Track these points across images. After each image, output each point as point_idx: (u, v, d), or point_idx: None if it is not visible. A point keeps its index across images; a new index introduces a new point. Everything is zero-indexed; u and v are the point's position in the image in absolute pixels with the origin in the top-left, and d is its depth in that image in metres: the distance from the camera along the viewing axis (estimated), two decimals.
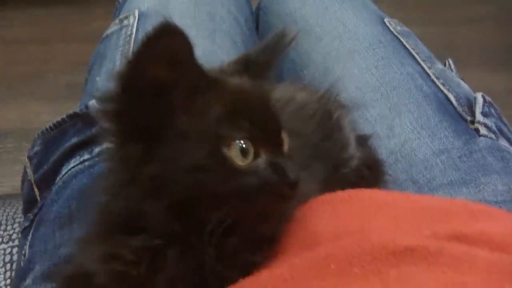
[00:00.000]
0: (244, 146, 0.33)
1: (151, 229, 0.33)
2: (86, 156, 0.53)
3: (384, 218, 0.36)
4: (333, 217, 0.37)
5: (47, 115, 1.29)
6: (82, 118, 0.55)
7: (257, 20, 0.79)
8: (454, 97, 0.57)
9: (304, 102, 0.46)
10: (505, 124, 0.59)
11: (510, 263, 0.29)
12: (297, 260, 0.32)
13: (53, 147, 0.56)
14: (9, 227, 0.66)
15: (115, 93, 0.33)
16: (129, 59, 0.32)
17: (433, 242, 0.31)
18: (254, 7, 0.80)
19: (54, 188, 0.53)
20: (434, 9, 1.71)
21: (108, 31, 0.69)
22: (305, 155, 0.41)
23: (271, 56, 0.40)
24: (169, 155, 0.32)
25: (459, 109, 0.56)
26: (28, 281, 0.48)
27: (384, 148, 0.54)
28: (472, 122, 0.55)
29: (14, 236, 0.65)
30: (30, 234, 0.53)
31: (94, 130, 0.53)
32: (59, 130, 0.56)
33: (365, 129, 0.55)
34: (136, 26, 0.65)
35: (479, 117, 0.55)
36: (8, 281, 0.61)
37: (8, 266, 0.62)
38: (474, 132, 0.55)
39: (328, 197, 0.39)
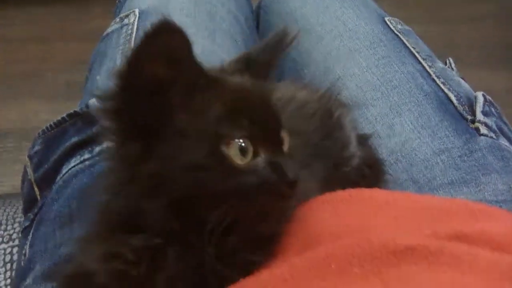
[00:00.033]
0: (243, 145, 0.33)
1: (150, 228, 0.33)
2: (86, 155, 0.53)
3: (385, 217, 0.36)
4: (333, 217, 0.37)
5: (46, 114, 1.29)
6: (82, 117, 0.55)
7: (257, 19, 0.79)
8: (455, 96, 0.57)
9: (305, 101, 0.46)
10: (505, 123, 0.58)
11: (510, 263, 0.29)
12: (297, 260, 0.32)
13: (54, 146, 0.56)
14: (9, 227, 0.66)
15: (114, 91, 0.33)
16: (128, 57, 0.32)
17: (433, 242, 0.31)
18: (254, 6, 0.80)
19: (54, 188, 0.53)
20: (434, 7, 1.71)
21: (109, 30, 0.68)
22: (305, 154, 0.41)
23: (272, 55, 0.40)
24: (168, 153, 0.32)
25: (460, 108, 0.56)
26: (29, 280, 0.48)
27: (384, 148, 0.54)
28: (473, 121, 0.55)
29: (14, 235, 0.65)
30: (31, 233, 0.53)
31: (94, 129, 0.53)
32: (60, 129, 0.56)
33: (366, 128, 0.55)
34: (137, 25, 0.65)
35: (479, 116, 0.55)
36: (8, 281, 0.61)
37: (8, 266, 0.62)
38: (475, 131, 0.54)
39: (328, 196, 0.39)
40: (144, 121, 0.33)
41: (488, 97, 0.59)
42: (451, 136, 0.54)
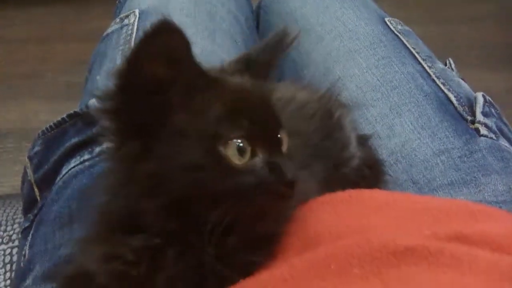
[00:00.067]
0: (241, 145, 0.33)
1: (150, 228, 0.33)
2: (86, 156, 0.53)
3: (385, 218, 0.36)
4: (333, 217, 0.37)
5: (46, 114, 1.29)
6: (82, 118, 0.55)
7: (257, 19, 0.79)
8: (455, 96, 0.57)
9: (305, 102, 0.46)
10: (505, 124, 0.58)
11: (510, 264, 0.29)
12: (297, 260, 0.32)
13: (54, 147, 0.56)
14: (9, 228, 0.66)
15: (113, 91, 0.33)
16: (127, 56, 0.32)
17: (433, 243, 0.31)
18: (254, 6, 0.80)
19: (54, 188, 0.53)
20: (434, 8, 1.71)
21: (109, 30, 0.68)
22: (305, 155, 0.41)
23: (272, 56, 0.40)
24: (167, 153, 0.32)
25: (460, 109, 0.56)
26: (28, 281, 0.48)
27: (384, 148, 0.54)
28: (473, 122, 0.55)
29: (14, 236, 0.65)
30: (30, 234, 0.53)
31: (94, 130, 0.53)
32: (60, 129, 0.56)
33: (366, 129, 0.55)
34: (137, 25, 0.65)
35: (479, 117, 0.55)
36: (8, 282, 0.61)
37: (8, 267, 0.62)
38: (475, 132, 0.54)
39: (328, 197, 0.39)
40: (143, 121, 0.33)
41: (488, 97, 0.59)
42: (451, 136, 0.54)
